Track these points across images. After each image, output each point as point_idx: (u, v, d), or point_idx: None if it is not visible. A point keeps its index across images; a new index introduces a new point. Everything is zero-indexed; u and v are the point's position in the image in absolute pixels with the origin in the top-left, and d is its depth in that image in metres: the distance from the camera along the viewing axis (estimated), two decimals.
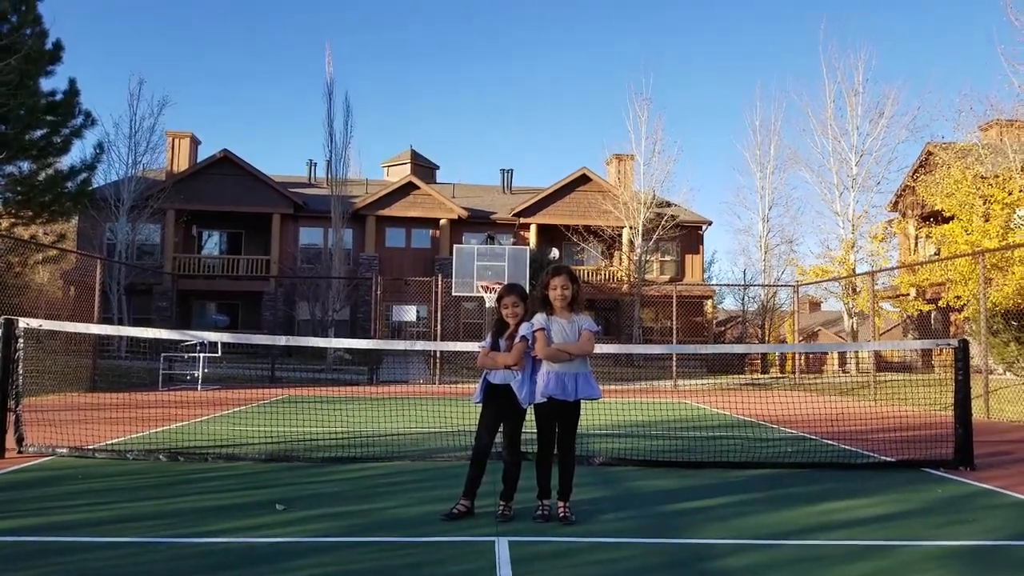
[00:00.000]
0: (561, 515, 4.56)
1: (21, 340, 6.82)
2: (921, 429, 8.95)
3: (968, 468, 6.50)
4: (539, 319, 4.66)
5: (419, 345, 7.98)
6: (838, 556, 3.97)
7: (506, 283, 4.86)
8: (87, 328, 8.41)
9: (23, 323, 6.87)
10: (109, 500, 5.08)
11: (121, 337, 23.12)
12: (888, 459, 7.05)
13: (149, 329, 7.71)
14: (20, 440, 6.81)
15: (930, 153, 25.90)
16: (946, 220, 22.06)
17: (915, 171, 26.95)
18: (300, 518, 4.63)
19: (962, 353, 6.69)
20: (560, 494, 4.66)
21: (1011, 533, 4.48)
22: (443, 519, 4.56)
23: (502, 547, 4.03)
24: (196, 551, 3.94)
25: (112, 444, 7.43)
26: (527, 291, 4.87)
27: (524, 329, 4.64)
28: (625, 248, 31.15)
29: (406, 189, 31.85)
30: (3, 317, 6.72)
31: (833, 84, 27.89)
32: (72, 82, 20.90)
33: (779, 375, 25.12)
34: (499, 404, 4.70)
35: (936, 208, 22.48)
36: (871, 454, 7.51)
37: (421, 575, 3.58)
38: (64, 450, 6.81)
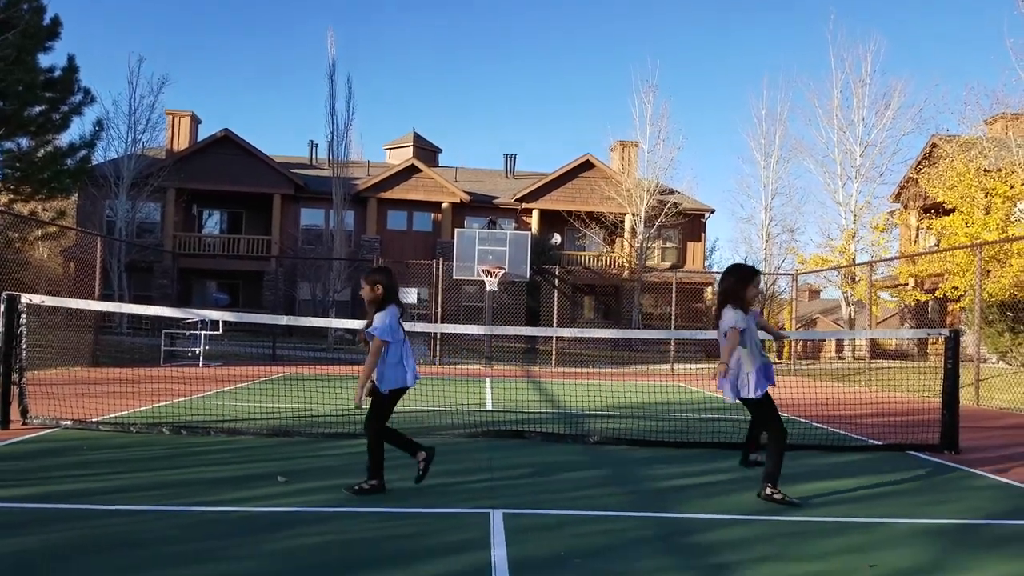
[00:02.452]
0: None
1: (24, 315, 6.94)
2: (910, 415, 9.10)
3: (953, 452, 6.64)
4: (740, 317, 4.59)
5: (420, 327, 8.11)
6: (818, 532, 4.11)
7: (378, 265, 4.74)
8: (90, 305, 8.52)
9: (26, 298, 6.98)
10: (114, 471, 5.22)
11: (122, 313, 23.25)
12: (875, 442, 7.20)
13: (152, 307, 7.82)
14: (24, 412, 6.95)
15: (935, 145, 25.92)
16: (947, 212, 22.13)
17: (919, 163, 26.96)
18: (301, 489, 4.77)
19: (952, 342, 6.81)
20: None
21: (988, 513, 4.62)
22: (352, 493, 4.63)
23: (496, 518, 4.17)
24: (201, 519, 4.08)
25: (116, 417, 7.57)
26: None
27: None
28: (627, 235, 31.22)
29: (408, 172, 31.88)
30: (5, 292, 6.84)
31: (841, 74, 27.85)
32: (71, 59, 20.87)
33: (776, 361, 25.26)
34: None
35: (938, 200, 22.54)
36: (859, 437, 7.65)
37: (418, 544, 3.71)
38: (68, 422, 6.94)
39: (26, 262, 19.45)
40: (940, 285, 21.57)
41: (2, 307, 6.69)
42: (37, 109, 20.26)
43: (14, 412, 6.78)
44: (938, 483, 5.53)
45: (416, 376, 4.74)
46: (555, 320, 20.53)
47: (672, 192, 30.71)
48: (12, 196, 20.81)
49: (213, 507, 4.30)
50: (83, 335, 15.69)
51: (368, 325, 4.61)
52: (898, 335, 13.53)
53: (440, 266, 20.38)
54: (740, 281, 4.70)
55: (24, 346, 6.92)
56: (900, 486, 5.37)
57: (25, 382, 6.99)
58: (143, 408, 8.46)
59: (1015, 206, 20.16)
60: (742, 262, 4.72)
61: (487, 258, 20.38)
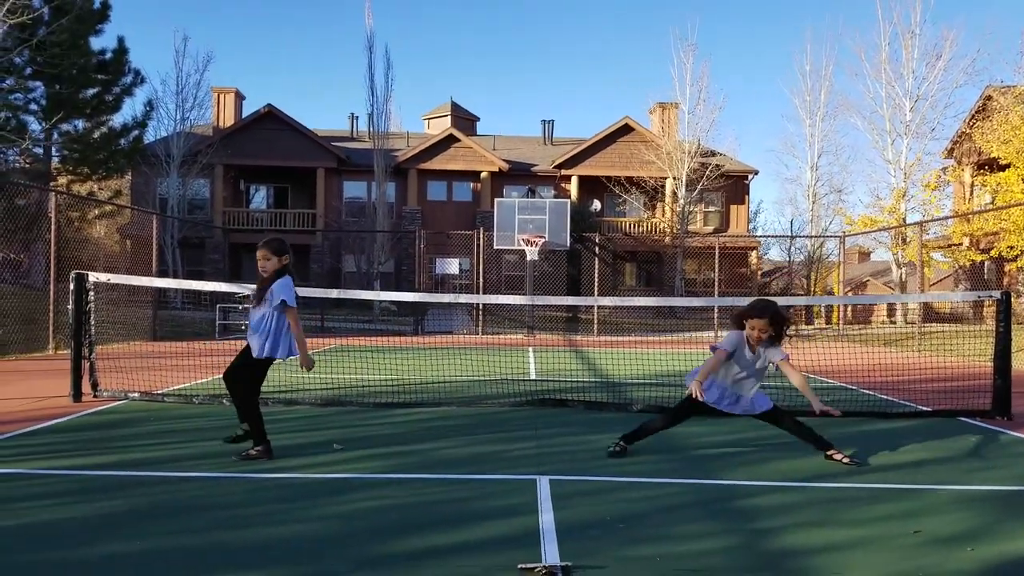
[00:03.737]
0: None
1: (91, 292, 7.27)
2: (962, 380, 8.99)
3: (1005, 418, 6.57)
4: (731, 343, 4.95)
5: (464, 298, 8.27)
6: (865, 498, 4.16)
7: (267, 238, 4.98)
8: (152, 282, 8.88)
9: (93, 277, 7.31)
10: (181, 440, 5.51)
11: (177, 289, 23.95)
12: (925, 408, 7.15)
13: (210, 282, 8.11)
14: (95, 385, 7.32)
15: (989, 98, 24.97)
16: (1003, 168, 21.41)
17: (972, 117, 26.02)
18: (355, 457, 4.99)
19: (1004, 305, 6.70)
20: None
21: None
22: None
23: (543, 485, 4.31)
24: (264, 485, 4.32)
25: (179, 389, 7.93)
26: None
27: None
28: (668, 199, 30.91)
29: (447, 142, 31.95)
30: (75, 272, 7.17)
31: (888, 26, 26.97)
32: (120, 40, 21.39)
33: (824, 326, 24.95)
34: None
35: (992, 155, 21.81)
36: (908, 403, 7.61)
37: (467, 508, 3.88)
38: (136, 395, 7.30)
39: (85, 240, 20.19)
40: (996, 244, 20.96)
41: (72, 285, 7.02)
42: (91, 92, 20.84)
43: (85, 385, 7.15)
44: (988, 450, 5.50)
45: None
46: (596, 289, 20.55)
47: (714, 154, 30.24)
48: (71, 177, 21.51)
49: (274, 474, 4.53)
50: (143, 310, 16.30)
51: (261, 293, 4.80)
52: (946, 298, 13.23)
53: (481, 236, 20.51)
54: (742, 314, 4.99)
55: (92, 322, 7.27)
56: (948, 452, 5.37)
57: (95, 357, 7.35)
58: (203, 380, 8.82)
59: None
60: (768, 299, 4.87)
61: (527, 227, 20.45)
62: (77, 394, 7.03)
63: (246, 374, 4.92)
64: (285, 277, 4.82)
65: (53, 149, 21.11)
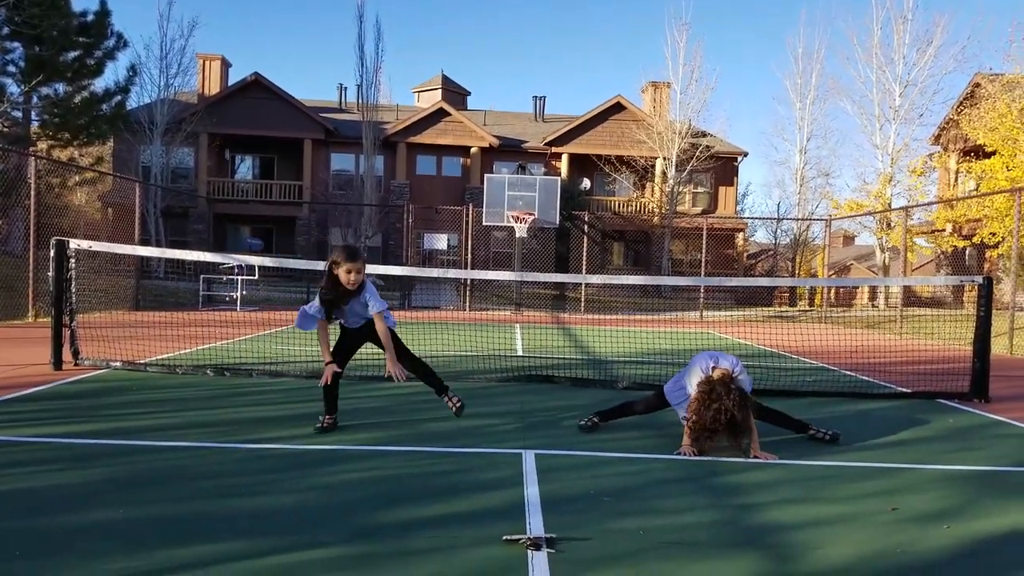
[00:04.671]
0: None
1: (73, 260, 7.18)
2: (941, 363, 9.10)
3: (982, 400, 6.67)
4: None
5: (452, 273, 8.25)
6: (844, 476, 4.22)
7: (350, 246, 4.92)
8: (135, 250, 8.78)
9: (74, 244, 7.21)
10: (164, 409, 5.48)
11: (160, 258, 23.71)
12: (904, 390, 7.25)
13: (194, 252, 8.04)
14: (76, 353, 7.25)
15: (977, 85, 25.08)
16: (988, 155, 21.54)
17: (960, 103, 26.14)
18: (343, 429, 4.99)
19: (986, 290, 6.77)
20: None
21: (1015, 460, 4.69)
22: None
23: (529, 459, 4.34)
24: (249, 455, 4.31)
25: (162, 359, 7.88)
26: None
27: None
28: (658, 179, 30.89)
29: (437, 116, 31.68)
30: (55, 238, 7.07)
31: (881, 10, 26.96)
32: (103, 2, 20.91)
33: (807, 308, 25.15)
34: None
35: (979, 142, 21.93)
36: (889, 385, 7.70)
37: (453, 481, 3.90)
38: (118, 363, 7.25)
39: (65, 207, 19.91)
40: (978, 231, 21.15)
41: (52, 252, 6.93)
42: (72, 54, 20.41)
43: (66, 354, 7.09)
44: (965, 431, 5.59)
45: None
46: (584, 267, 20.57)
47: (704, 135, 30.20)
48: (51, 142, 21.16)
49: (260, 444, 4.53)
50: (125, 279, 16.13)
51: (342, 301, 4.82)
52: (929, 282, 13.39)
53: (470, 212, 20.43)
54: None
55: (73, 290, 7.19)
56: (927, 433, 5.45)
57: (76, 324, 7.28)
58: (187, 350, 8.77)
59: None
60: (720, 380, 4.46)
61: (516, 204, 20.38)
62: (58, 362, 6.97)
63: (408, 363, 5.04)
64: (370, 284, 4.85)
65: (33, 113, 20.73)
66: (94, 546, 2.89)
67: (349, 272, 4.72)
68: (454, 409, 5.06)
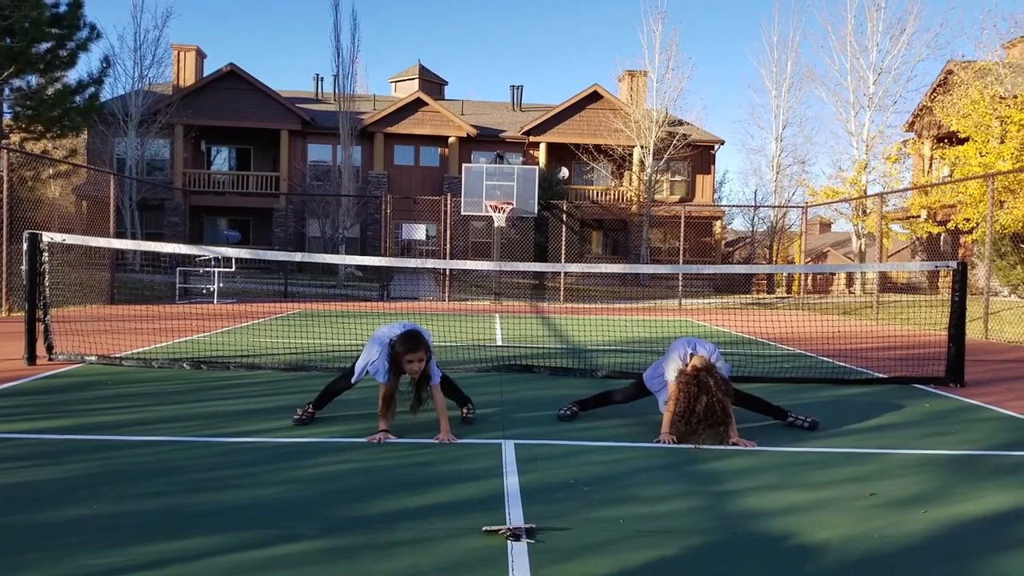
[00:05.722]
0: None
1: (46, 253, 7.06)
2: (917, 348, 9.21)
3: (958, 385, 6.76)
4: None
5: (430, 263, 8.19)
6: (822, 461, 4.26)
7: (411, 335, 4.60)
8: (110, 243, 8.64)
9: (47, 237, 7.09)
10: (140, 403, 5.41)
11: (136, 251, 23.40)
12: (881, 375, 7.33)
13: (169, 244, 7.94)
14: (50, 348, 7.14)
15: (950, 72, 25.33)
16: (962, 142, 21.80)
17: (934, 90, 26.42)
18: (320, 421, 4.95)
19: (960, 275, 6.85)
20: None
21: (989, 444, 4.76)
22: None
23: (508, 449, 4.33)
24: (226, 449, 4.27)
25: (138, 353, 7.78)
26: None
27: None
28: (635, 168, 30.94)
29: (414, 106, 31.47)
30: (28, 231, 6.94)
31: None
32: None
33: (785, 295, 25.38)
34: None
35: (952, 129, 22.19)
36: (865, 370, 7.78)
37: (433, 471, 3.88)
38: (92, 358, 7.14)
39: (39, 201, 19.55)
40: (952, 217, 21.42)
41: (25, 245, 6.80)
42: (44, 46, 20.02)
43: (40, 348, 6.97)
44: (941, 415, 5.66)
45: None
46: (563, 256, 20.58)
47: (681, 123, 30.27)
48: (24, 135, 20.78)
49: (236, 438, 4.48)
50: (100, 273, 15.90)
51: (422, 371, 4.59)
52: (904, 268, 13.56)
53: (448, 202, 20.35)
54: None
55: (47, 284, 7.07)
56: (903, 418, 5.51)
57: (50, 319, 7.16)
58: (163, 344, 8.66)
59: None
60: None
61: (495, 193, 20.33)
62: (31, 357, 6.86)
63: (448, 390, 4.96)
64: (432, 361, 4.64)
65: (4, 105, 20.30)
66: (66, 542, 2.84)
67: (411, 362, 4.50)
68: (463, 416, 5.05)
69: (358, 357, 4.90)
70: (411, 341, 4.52)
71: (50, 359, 7.05)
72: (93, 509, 3.21)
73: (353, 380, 4.90)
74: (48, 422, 4.77)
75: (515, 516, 3.22)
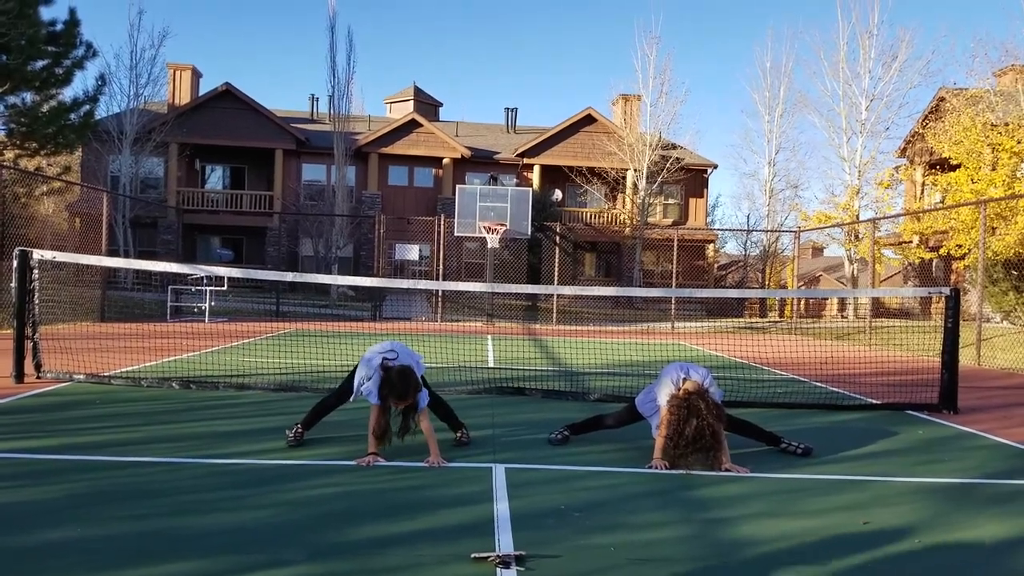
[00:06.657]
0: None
1: (36, 271, 7.01)
2: (910, 374, 9.20)
3: (951, 412, 6.74)
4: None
5: (423, 284, 8.18)
6: (814, 489, 4.22)
7: (402, 379, 4.50)
8: (101, 260, 8.60)
9: (37, 254, 7.04)
10: (128, 423, 5.35)
11: (128, 269, 23.28)
12: (874, 401, 7.31)
13: (160, 262, 7.90)
14: (38, 366, 7.06)
15: (942, 99, 25.59)
16: (953, 168, 21.97)
17: (926, 117, 26.69)
18: (309, 443, 4.89)
19: (953, 301, 6.86)
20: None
21: (983, 472, 4.73)
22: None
23: (499, 473, 4.28)
24: (213, 471, 4.21)
25: (127, 372, 7.70)
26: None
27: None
28: (629, 191, 31.06)
29: (409, 127, 31.59)
30: (18, 248, 6.90)
31: (847, 25, 27.47)
32: (72, 12, 20.57)
33: (777, 319, 25.41)
34: None
35: (944, 155, 22.37)
36: (858, 396, 7.76)
37: (422, 496, 3.83)
38: (81, 376, 7.07)
39: (32, 217, 19.49)
40: (944, 243, 21.53)
41: (15, 263, 6.75)
42: (40, 63, 20.07)
43: (28, 366, 6.90)
44: (934, 442, 5.64)
45: None
46: (556, 278, 20.57)
47: (674, 147, 30.47)
48: (18, 151, 20.76)
49: (223, 459, 4.42)
50: (91, 290, 15.82)
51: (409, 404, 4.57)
52: (897, 293, 13.66)
53: (442, 222, 20.35)
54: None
55: (37, 301, 7.01)
56: (897, 445, 5.48)
57: (39, 337, 7.09)
58: (153, 363, 8.59)
59: (1022, 161, 19.98)
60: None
61: (488, 215, 20.35)
62: (19, 375, 6.79)
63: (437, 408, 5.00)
64: (423, 391, 4.63)
65: None
66: (46, 565, 2.78)
67: (398, 406, 4.52)
68: (456, 439, 5.02)
69: (348, 376, 4.88)
70: (400, 388, 4.45)
71: (38, 377, 6.97)
72: (76, 532, 3.15)
73: (352, 398, 4.87)
74: (34, 441, 4.70)
75: (505, 542, 3.17)
